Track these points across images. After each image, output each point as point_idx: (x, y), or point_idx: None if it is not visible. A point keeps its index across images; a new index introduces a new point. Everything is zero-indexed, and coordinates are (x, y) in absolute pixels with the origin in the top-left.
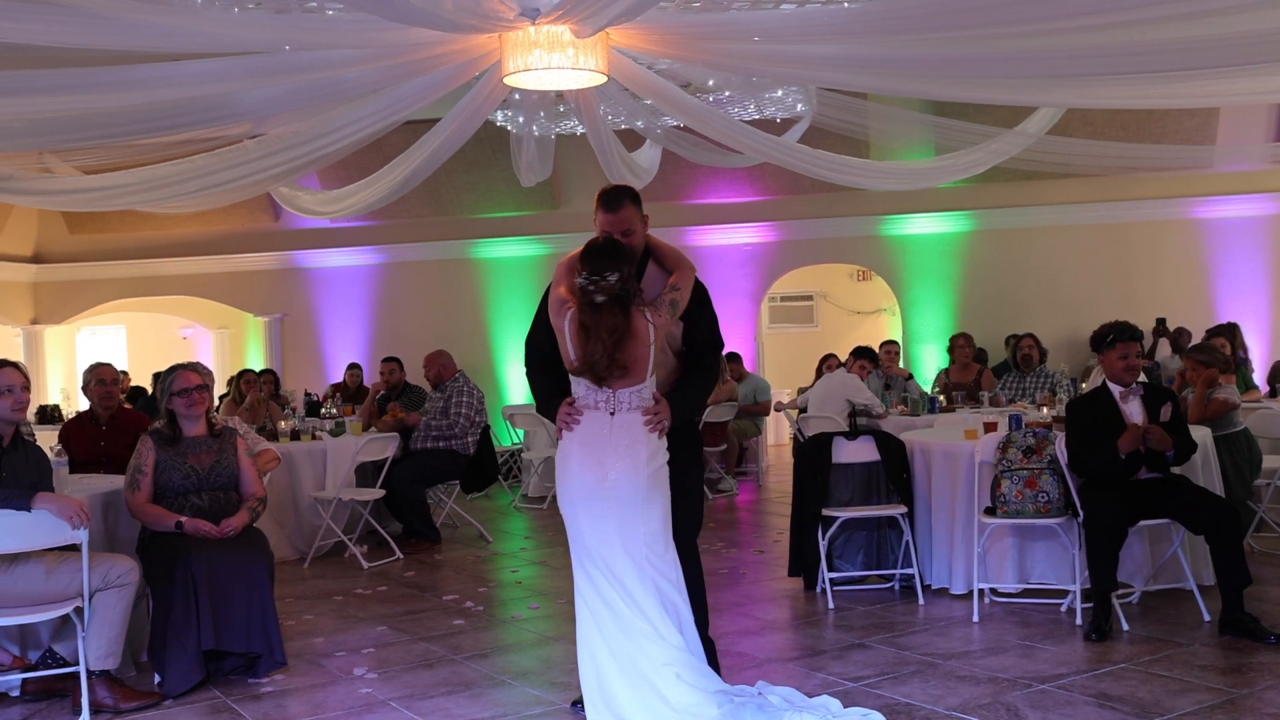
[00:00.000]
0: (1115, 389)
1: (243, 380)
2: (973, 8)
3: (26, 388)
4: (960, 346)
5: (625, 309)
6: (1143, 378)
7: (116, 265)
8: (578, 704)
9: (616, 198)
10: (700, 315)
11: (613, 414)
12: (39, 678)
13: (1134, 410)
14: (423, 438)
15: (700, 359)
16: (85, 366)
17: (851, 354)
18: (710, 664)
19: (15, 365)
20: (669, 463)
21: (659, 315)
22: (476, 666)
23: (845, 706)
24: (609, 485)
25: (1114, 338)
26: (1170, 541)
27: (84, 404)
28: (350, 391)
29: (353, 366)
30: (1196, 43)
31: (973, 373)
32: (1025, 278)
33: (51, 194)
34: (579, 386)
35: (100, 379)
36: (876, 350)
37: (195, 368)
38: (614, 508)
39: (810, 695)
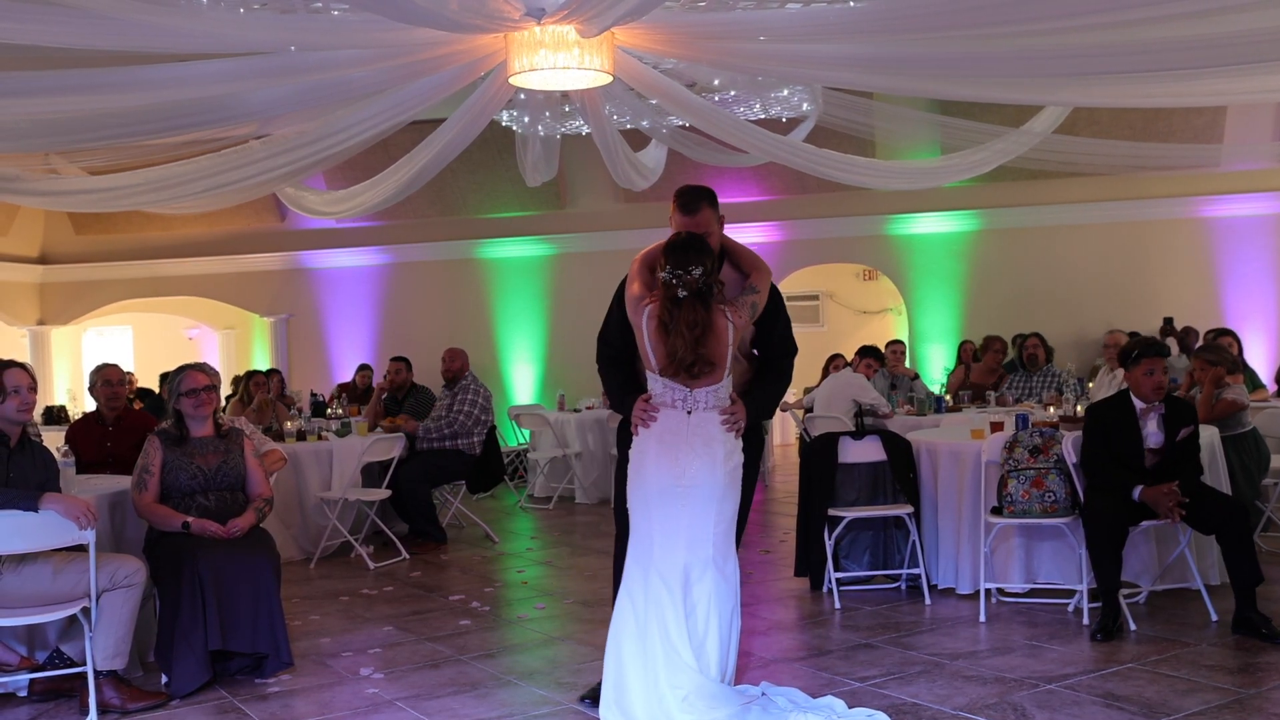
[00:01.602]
0: (1138, 402)
1: (251, 382)
2: (978, 7)
3: (33, 389)
4: (995, 350)
5: (707, 304)
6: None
7: (123, 266)
8: (585, 699)
9: (693, 200)
10: (775, 318)
11: (689, 413)
12: (46, 678)
13: (1153, 426)
14: (425, 439)
15: (775, 362)
16: (91, 367)
17: (857, 353)
18: None
19: (23, 366)
20: None
21: (739, 315)
22: (483, 667)
23: (851, 707)
24: (685, 483)
25: (1139, 354)
26: (1177, 541)
27: (90, 405)
28: (359, 392)
29: (363, 367)
30: (1203, 41)
31: (997, 375)
32: (1031, 277)
33: (58, 195)
34: (657, 384)
35: (106, 380)
36: (882, 350)
37: (203, 368)
38: (688, 505)
39: (817, 695)
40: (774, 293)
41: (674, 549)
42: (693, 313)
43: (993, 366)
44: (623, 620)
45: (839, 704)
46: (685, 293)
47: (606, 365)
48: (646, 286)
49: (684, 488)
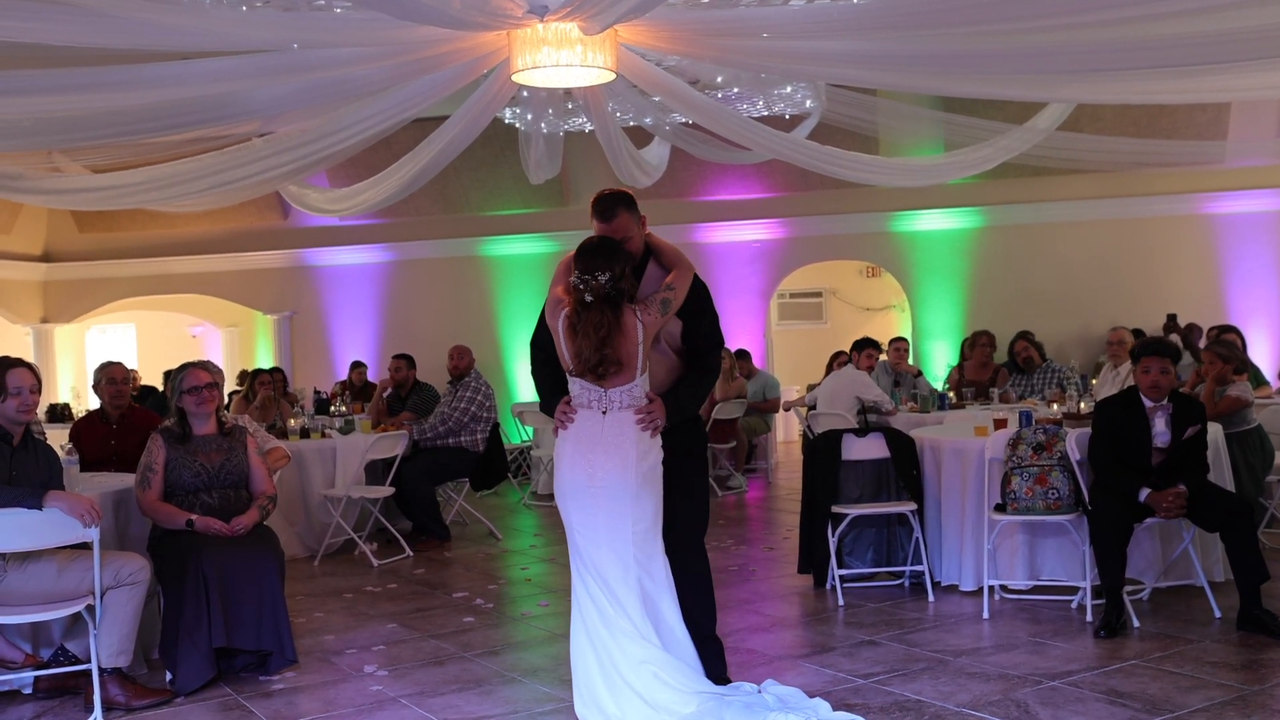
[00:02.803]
0: (1146, 400)
1: (258, 380)
2: (981, 4)
3: (35, 389)
4: (983, 345)
5: (615, 306)
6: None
7: (126, 264)
8: None
9: (609, 207)
10: (700, 313)
11: (604, 413)
12: (51, 675)
13: (1161, 424)
14: (424, 438)
15: (700, 357)
16: (95, 365)
17: (854, 348)
18: (717, 663)
19: (29, 366)
20: (672, 462)
21: (648, 314)
22: (487, 664)
23: (853, 705)
24: (597, 483)
25: (1139, 353)
26: (1181, 538)
27: (94, 403)
28: (357, 389)
29: (357, 365)
30: (1207, 38)
31: (990, 371)
32: (1035, 274)
33: (61, 193)
34: (574, 386)
35: (111, 378)
36: (884, 345)
37: (206, 366)
38: (603, 505)
39: (819, 693)
40: (699, 287)
41: (597, 547)
42: (599, 315)
43: (983, 360)
44: (575, 621)
45: (824, 706)
46: (591, 297)
47: (538, 368)
48: (566, 290)
49: (595, 487)
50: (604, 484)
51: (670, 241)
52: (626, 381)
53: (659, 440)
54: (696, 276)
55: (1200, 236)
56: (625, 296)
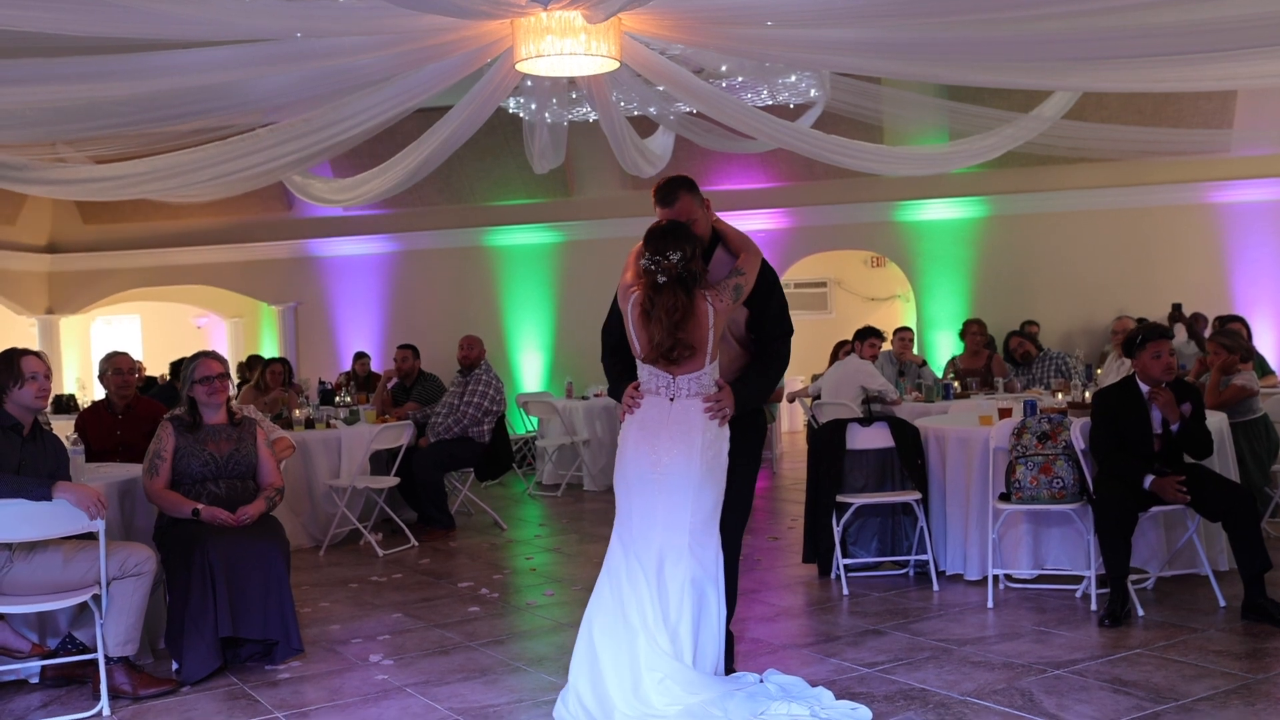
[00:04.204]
0: (1144, 387)
1: (269, 370)
2: None
3: (49, 375)
4: (973, 333)
5: (688, 290)
6: None
7: (131, 255)
8: None
9: (670, 191)
10: (768, 301)
11: (672, 400)
12: (58, 664)
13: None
14: (435, 432)
15: (769, 344)
16: (100, 356)
17: (856, 337)
18: (726, 656)
19: (37, 354)
20: (733, 453)
21: (720, 299)
22: (492, 653)
23: (852, 698)
24: (660, 470)
25: (1143, 338)
26: (1185, 527)
27: (100, 393)
28: (360, 379)
29: (360, 355)
30: (1213, 25)
31: (983, 359)
32: (1040, 263)
33: (65, 183)
34: (643, 372)
35: (117, 368)
36: (888, 335)
37: (217, 356)
38: (663, 492)
39: (824, 681)
40: (767, 273)
41: (650, 534)
42: (672, 298)
43: (975, 349)
44: (600, 600)
45: (827, 695)
46: (664, 278)
47: (608, 355)
48: (636, 275)
49: (659, 474)
50: (668, 471)
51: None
52: (696, 368)
53: (726, 429)
54: (765, 262)
55: (1206, 226)
56: (697, 280)
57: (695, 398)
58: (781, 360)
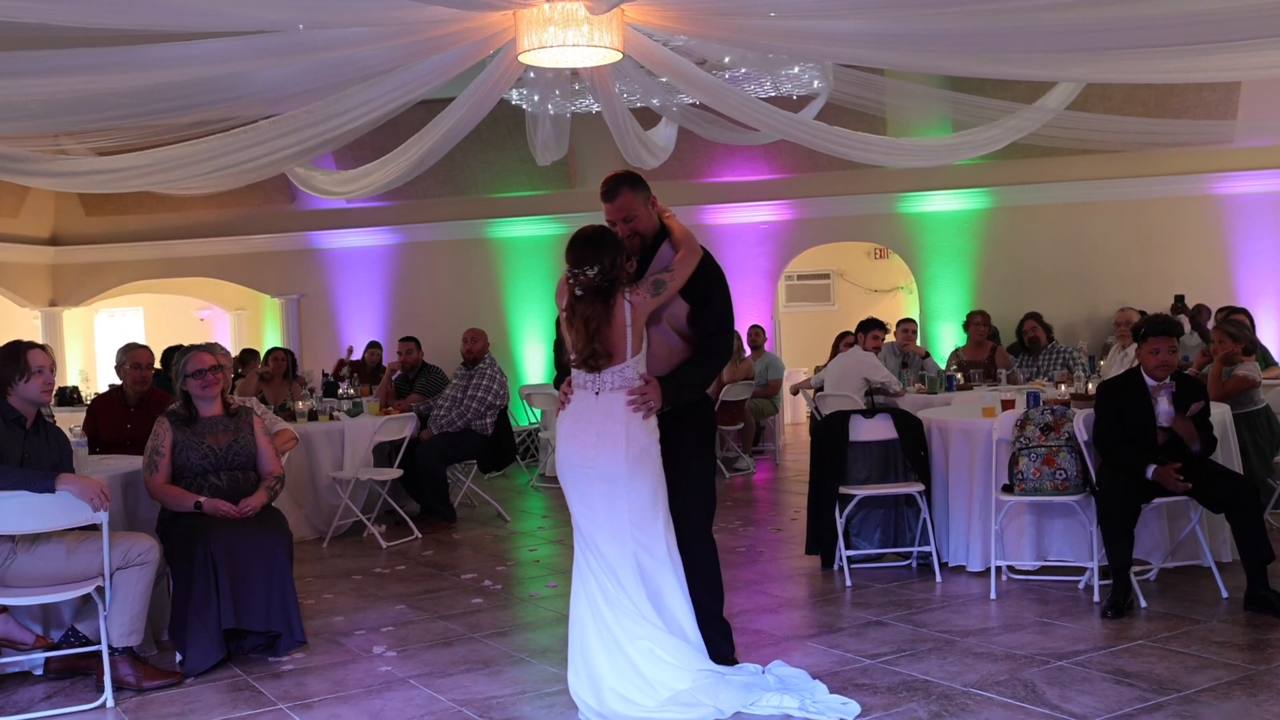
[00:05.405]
0: (1149, 380)
1: (272, 358)
2: None
3: (54, 369)
4: (976, 324)
5: (606, 299)
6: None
7: (134, 247)
8: None
9: (612, 187)
10: (708, 296)
11: (597, 394)
12: (62, 656)
13: (1165, 404)
14: (438, 425)
15: (707, 340)
16: (109, 348)
17: (859, 328)
18: (723, 644)
19: (42, 347)
20: (673, 443)
21: (637, 294)
22: (495, 644)
23: (855, 689)
24: (590, 464)
25: (1146, 332)
26: (1188, 519)
27: (103, 387)
28: (369, 370)
29: (372, 345)
30: (1217, 16)
31: (986, 350)
32: (1043, 255)
33: (67, 176)
34: (574, 369)
35: (135, 362)
36: (891, 327)
37: (209, 348)
38: (598, 485)
39: (827, 673)
40: (711, 269)
41: (595, 526)
42: (589, 308)
43: (978, 340)
44: (576, 596)
45: (821, 688)
46: (581, 292)
47: (555, 349)
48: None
49: (589, 468)
50: (595, 464)
51: (683, 223)
52: (618, 362)
53: (653, 422)
54: (711, 259)
55: (1209, 217)
56: (619, 285)
57: (619, 391)
58: (718, 354)
